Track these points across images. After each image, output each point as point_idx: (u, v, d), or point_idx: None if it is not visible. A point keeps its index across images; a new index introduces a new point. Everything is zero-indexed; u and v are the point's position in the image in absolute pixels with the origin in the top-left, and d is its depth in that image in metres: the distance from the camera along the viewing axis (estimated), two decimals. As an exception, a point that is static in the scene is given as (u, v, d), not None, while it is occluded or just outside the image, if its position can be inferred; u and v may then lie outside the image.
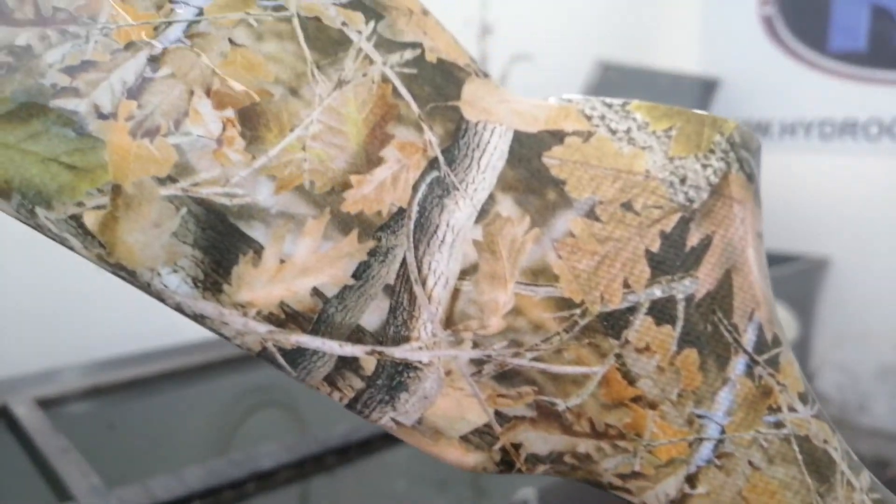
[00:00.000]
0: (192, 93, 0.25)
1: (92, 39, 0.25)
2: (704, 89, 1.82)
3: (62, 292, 1.01)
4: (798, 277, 1.68)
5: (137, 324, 1.01)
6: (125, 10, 0.25)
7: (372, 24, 0.27)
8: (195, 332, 0.47)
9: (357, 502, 0.70)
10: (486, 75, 0.29)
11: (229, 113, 0.26)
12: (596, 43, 1.72)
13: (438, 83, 0.27)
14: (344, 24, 0.27)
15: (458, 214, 0.27)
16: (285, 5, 0.26)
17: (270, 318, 0.26)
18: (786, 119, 1.79)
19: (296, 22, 0.26)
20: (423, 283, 0.26)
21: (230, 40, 0.26)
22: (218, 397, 0.93)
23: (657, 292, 0.27)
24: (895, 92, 1.63)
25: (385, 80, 0.27)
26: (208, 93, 0.26)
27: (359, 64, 0.27)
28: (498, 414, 0.27)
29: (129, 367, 0.91)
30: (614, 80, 1.46)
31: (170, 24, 0.26)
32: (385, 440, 0.72)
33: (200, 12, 0.26)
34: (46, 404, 0.79)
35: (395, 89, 0.27)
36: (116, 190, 0.25)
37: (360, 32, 0.27)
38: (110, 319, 1.05)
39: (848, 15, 1.67)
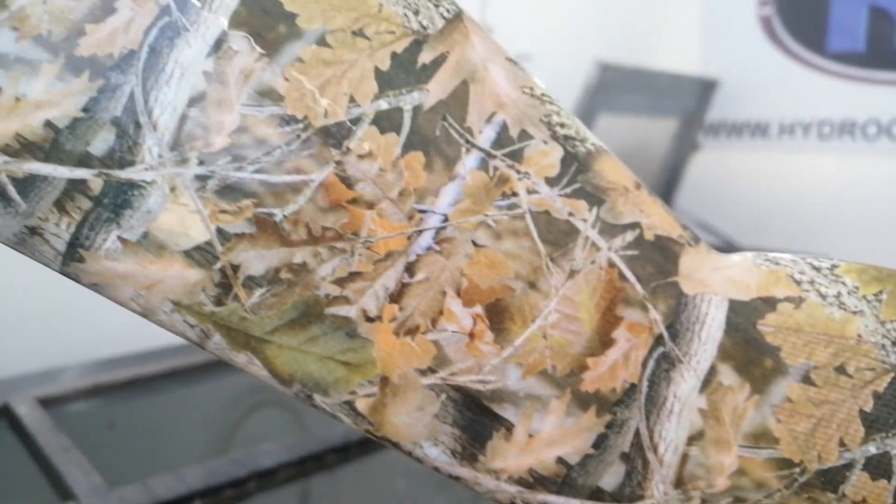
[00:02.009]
0: (444, 293, 0.29)
1: (356, 253, 0.29)
2: (703, 90, 1.82)
3: (63, 292, 1.01)
4: (797, 277, 1.69)
5: (138, 323, 1.01)
6: (381, 224, 0.29)
7: (595, 210, 0.30)
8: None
9: (357, 501, 0.70)
10: (696, 241, 0.31)
11: (478, 309, 0.29)
12: (595, 43, 1.72)
13: (657, 260, 0.30)
14: (570, 213, 0.30)
15: (684, 386, 0.30)
16: (518, 203, 0.30)
17: (520, 482, 0.29)
18: (784, 119, 1.80)
19: (528, 218, 0.30)
20: (655, 450, 0.30)
21: (473, 242, 0.30)
22: (219, 396, 0.94)
23: (872, 449, 0.29)
24: (894, 92, 1.63)
25: (611, 265, 0.30)
26: (458, 292, 0.29)
27: (587, 252, 0.30)
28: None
29: (130, 367, 0.91)
30: (613, 81, 1.46)
31: (420, 232, 0.29)
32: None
33: (445, 219, 0.29)
34: (48, 403, 0.79)
35: (620, 273, 0.30)
36: (384, 381, 0.29)
37: (585, 220, 0.30)
38: (111, 319, 1.05)
39: (846, 16, 1.67)
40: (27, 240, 0.29)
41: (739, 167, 1.88)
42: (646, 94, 1.66)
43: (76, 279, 0.29)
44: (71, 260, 0.29)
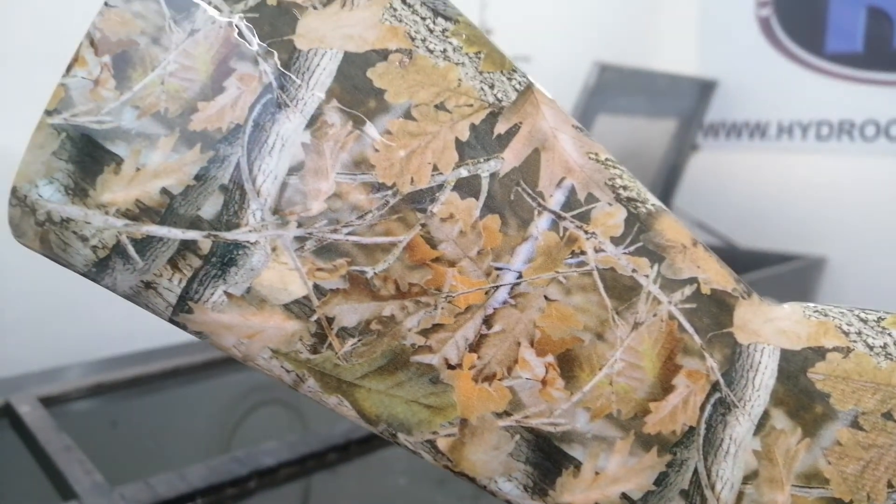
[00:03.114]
0: (519, 343, 0.32)
1: (439, 306, 0.32)
2: (702, 90, 1.82)
3: (65, 292, 1.01)
4: (795, 277, 1.69)
5: (140, 322, 1.02)
6: (462, 280, 0.32)
7: (656, 267, 0.33)
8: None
9: (358, 499, 0.70)
10: (749, 293, 0.33)
11: (550, 358, 0.32)
12: (594, 44, 1.73)
13: (714, 312, 0.33)
14: (634, 270, 0.33)
15: (739, 429, 0.32)
16: (586, 261, 0.32)
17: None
18: (783, 120, 1.80)
19: (596, 275, 0.32)
20: (713, 488, 0.32)
21: (545, 297, 0.32)
22: (220, 395, 0.94)
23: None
24: (891, 93, 1.64)
25: (671, 317, 0.32)
26: (532, 343, 0.32)
27: (649, 306, 0.32)
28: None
29: (131, 366, 0.91)
30: (612, 81, 1.46)
31: (497, 288, 0.32)
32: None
33: (520, 276, 0.32)
34: (49, 402, 0.79)
35: (680, 325, 0.32)
36: (464, 423, 0.32)
37: (647, 276, 0.33)
38: (113, 318, 1.05)
39: (844, 17, 1.68)
40: (142, 292, 0.32)
41: (738, 168, 1.88)
42: (645, 94, 1.66)
43: (182, 327, 0.33)
44: (181, 311, 0.32)
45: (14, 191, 0.31)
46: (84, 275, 0.33)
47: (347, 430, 0.73)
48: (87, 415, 0.84)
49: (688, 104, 1.81)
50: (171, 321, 0.33)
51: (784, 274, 1.62)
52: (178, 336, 1.00)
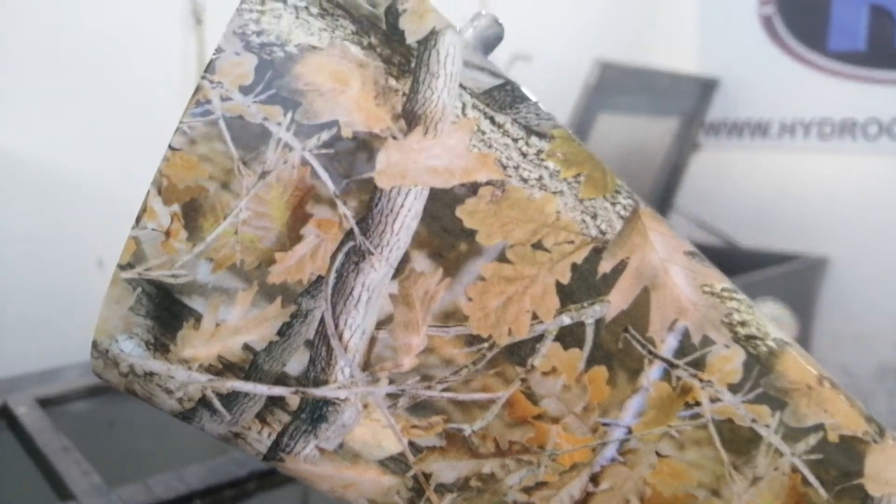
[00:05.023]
0: (627, 501, 0.30)
1: (542, 464, 0.30)
2: (703, 89, 1.82)
3: (62, 292, 1.01)
4: (797, 277, 1.69)
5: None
6: (566, 437, 0.30)
7: (777, 415, 0.30)
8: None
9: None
10: (881, 434, 0.30)
11: None
12: (595, 42, 1.72)
13: (842, 463, 0.30)
14: (753, 420, 0.30)
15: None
16: (701, 413, 0.30)
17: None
18: (785, 119, 1.80)
19: (712, 428, 0.30)
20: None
21: (656, 452, 0.30)
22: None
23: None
24: (894, 92, 1.63)
25: (794, 469, 0.30)
26: (642, 500, 0.30)
27: (770, 459, 0.30)
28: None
29: (129, 367, 0.91)
30: (613, 80, 1.46)
31: (605, 444, 0.30)
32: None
33: (629, 431, 0.30)
34: (47, 403, 0.79)
35: (804, 478, 0.30)
36: None
37: (768, 426, 0.30)
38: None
39: (847, 15, 1.67)
40: (231, 440, 0.32)
41: (739, 166, 1.88)
42: (646, 93, 1.65)
43: (276, 468, 0.32)
44: (272, 459, 0.32)
45: (95, 344, 0.30)
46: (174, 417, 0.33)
47: (346, 430, 0.73)
48: (85, 416, 0.84)
49: (689, 103, 1.80)
50: (264, 463, 0.32)
51: (785, 274, 1.62)
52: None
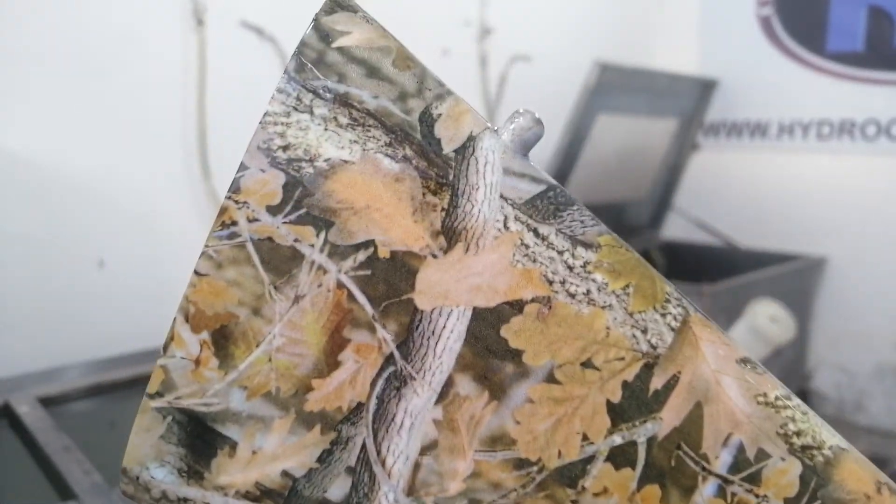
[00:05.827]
0: None
1: None
2: (702, 90, 1.82)
3: (64, 292, 1.01)
4: (795, 277, 1.69)
5: (138, 323, 1.02)
6: None
7: None
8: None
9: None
10: None
11: None
12: (595, 43, 1.72)
13: None
14: None
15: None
16: None
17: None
18: (784, 119, 1.80)
19: None
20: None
21: None
22: (219, 396, 0.94)
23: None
24: (892, 92, 1.64)
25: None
26: None
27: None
28: None
29: (130, 366, 0.91)
30: (613, 81, 1.46)
31: None
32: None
33: None
34: (48, 403, 0.79)
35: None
36: None
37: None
38: (111, 319, 1.05)
39: (845, 16, 1.68)
40: None
41: (738, 167, 1.88)
42: (645, 94, 1.66)
43: None
44: None
45: (125, 471, 0.29)
46: None
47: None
48: (86, 415, 0.84)
49: (688, 104, 1.80)
50: None
51: (784, 274, 1.62)
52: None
